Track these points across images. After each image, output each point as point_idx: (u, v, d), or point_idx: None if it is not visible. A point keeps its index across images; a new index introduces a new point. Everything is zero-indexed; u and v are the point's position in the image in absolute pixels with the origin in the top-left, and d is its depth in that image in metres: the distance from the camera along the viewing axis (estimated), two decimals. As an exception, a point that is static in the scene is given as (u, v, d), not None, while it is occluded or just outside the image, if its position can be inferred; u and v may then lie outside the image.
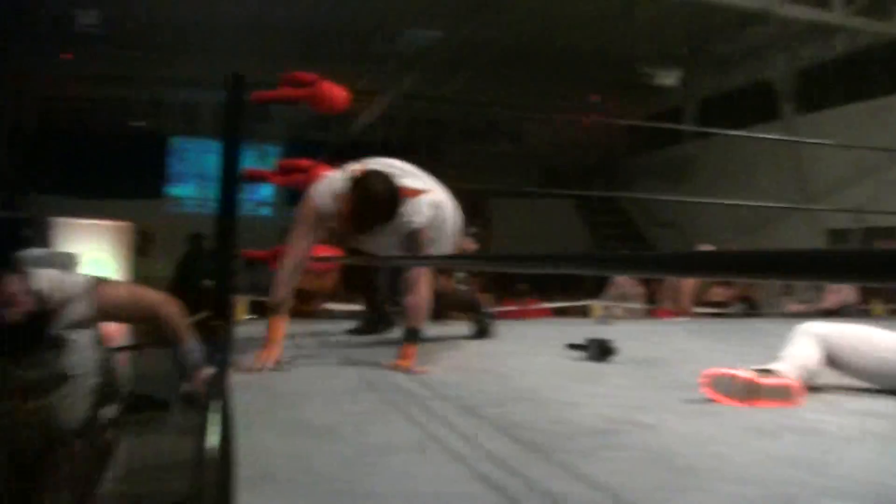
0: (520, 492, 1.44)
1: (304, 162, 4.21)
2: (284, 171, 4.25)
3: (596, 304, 7.21)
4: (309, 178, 4.13)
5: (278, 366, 2.72)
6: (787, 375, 2.34)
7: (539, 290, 10.46)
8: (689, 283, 8.08)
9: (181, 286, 9.33)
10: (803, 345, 2.51)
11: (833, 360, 2.55)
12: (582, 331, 3.67)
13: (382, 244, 3.05)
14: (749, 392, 2.27)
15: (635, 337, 4.05)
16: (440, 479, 1.51)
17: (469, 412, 2.13)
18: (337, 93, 4.06)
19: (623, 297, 8.13)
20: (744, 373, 2.30)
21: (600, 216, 18.12)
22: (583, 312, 7.50)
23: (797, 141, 10.79)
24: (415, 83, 13.83)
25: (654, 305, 8.98)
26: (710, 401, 2.27)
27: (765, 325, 5.24)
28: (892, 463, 1.77)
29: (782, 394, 2.28)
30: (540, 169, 18.44)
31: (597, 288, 8.21)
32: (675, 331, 4.99)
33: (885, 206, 10.08)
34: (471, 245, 5.56)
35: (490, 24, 13.09)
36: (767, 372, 2.34)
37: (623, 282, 8.31)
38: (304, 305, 7.90)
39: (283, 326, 2.85)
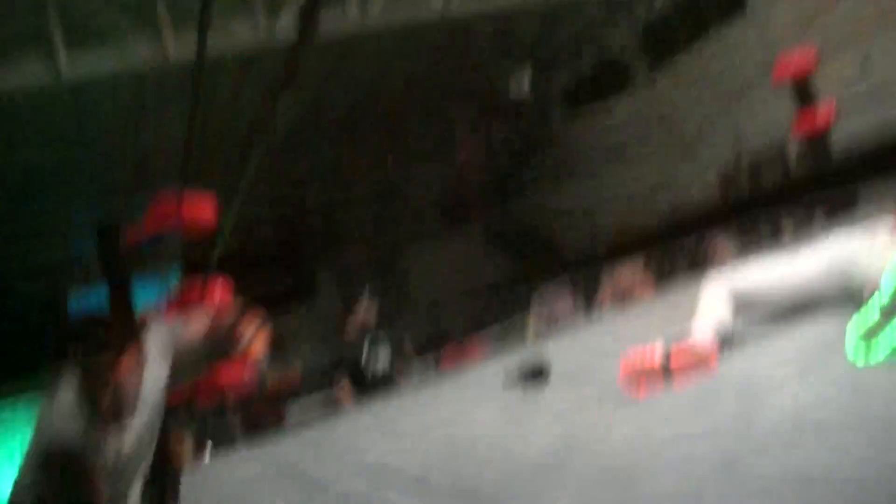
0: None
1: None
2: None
3: (529, 322, 7.23)
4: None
5: None
6: (696, 342, 2.34)
7: (475, 327, 10.39)
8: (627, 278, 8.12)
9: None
10: (712, 304, 2.53)
11: (747, 305, 2.58)
12: (516, 357, 3.63)
13: None
14: (665, 375, 2.28)
15: (567, 346, 4.05)
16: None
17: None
18: (202, 210, 3.77)
19: (551, 314, 8.14)
20: (656, 357, 2.30)
21: (509, 235, 18.33)
22: (519, 331, 7.48)
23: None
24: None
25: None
26: (646, 397, 2.27)
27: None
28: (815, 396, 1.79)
29: (696, 361, 2.29)
30: (440, 208, 18.52)
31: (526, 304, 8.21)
32: (601, 330, 5.00)
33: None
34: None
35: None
36: (679, 343, 2.35)
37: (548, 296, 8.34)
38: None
39: None
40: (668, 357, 2.30)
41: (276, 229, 17.45)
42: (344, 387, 5.93)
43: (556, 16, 12.80)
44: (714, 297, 2.56)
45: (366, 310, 7.52)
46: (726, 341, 2.45)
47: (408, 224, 17.03)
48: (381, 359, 6.04)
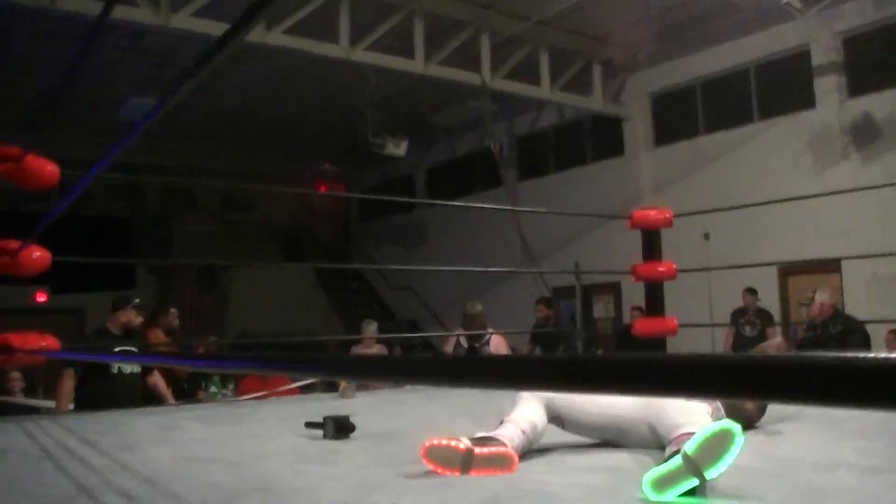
0: None
1: (10, 243, 3.84)
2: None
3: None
4: (15, 262, 3.78)
5: None
6: (503, 443, 2.42)
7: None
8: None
9: None
10: (527, 408, 2.63)
11: (559, 419, 2.70)
12: (323, 407, 3.60)
13: None
14: (465, 462, 2.33)
15: (377, 408, 4.06)
16: None
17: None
18: (45, 168, 3.77)
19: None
20: (460, 443, 2.36)
21: (340, 282, 18.24)
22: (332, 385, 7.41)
23: (514, 210, 11.53)
24: (141, 153, 13.32)
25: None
26: (445, 478, 2.31)
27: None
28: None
29: (497, 462, 2.35)
30: (278, 238, 18.32)
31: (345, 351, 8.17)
32: (416, 398, 5.07)
33: (598, 263, 11.04)
34: (133, 317, 5.28)
35: (217, 93, 12.96)
36: (486, 440, 2.42)
37: (367, 347, 8.35)
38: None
39: None
40: (471, 450, 2.34)
41: (109, 208, 16.71)
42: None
43: (447, 99, 13.23)
44: (530, 402, 2.66)
45: (172, 316, 7.27)
46: (529, 449, 2.53)
47: (245, 244, 16.66)
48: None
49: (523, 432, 2.52)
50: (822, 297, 6.75)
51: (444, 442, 2.35)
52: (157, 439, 3.16)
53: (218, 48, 1.65)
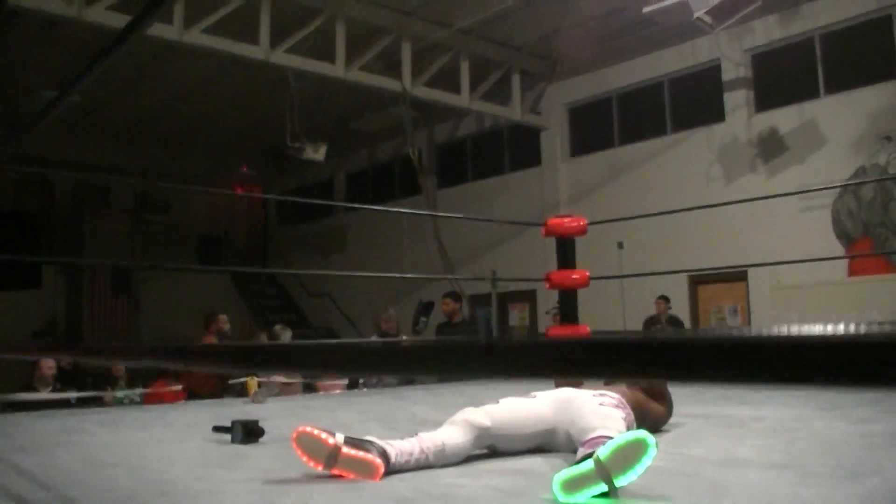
0: None
1: None
2: None
3: (251, 381, 7.03)
4: None
5: None
6: (376, 451, 2.37)
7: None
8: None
9: None
10: (446, 431, 2.59)
11: (493, 447, 2.68)
12: (233, 411, 3.53)
13: None
14: (330, 458, 2.31)
15: (289, 413, 4.00)
16: None
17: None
18: None
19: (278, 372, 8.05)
20: (331, 437, 2.33)
21: (257, 288, 17.95)
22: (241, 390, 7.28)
23: (433, 216, 11.57)
24: (54, 148, 12.91)
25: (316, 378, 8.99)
26: (355, 482, 2.28)
27: (426, 392, 5.46)
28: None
29: (360, 467, 2.32)
30: (193, 240, 17.94)
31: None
32: (330, 403, 5.02)
33: (514, 271, 11.15)
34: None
35: (132, 92, 12.66)
36: (362, 443, 2.38)
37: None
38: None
39: None
40: (339, 448, 2.32)
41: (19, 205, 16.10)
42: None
43: (368, 105, 13.19)
44: (456, 426, 2.61)
45: (222, 321, 7.40)
46: (425, 466, 2.48)
47: (160, 246, 16.27)
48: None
49: (422, 451, 2.46)
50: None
51: (316, 432, 2.33)
52: (57, 443, 3.05)
53: (121, 38, 1.61)
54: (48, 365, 6.93)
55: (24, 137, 10.39)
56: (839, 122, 10.00)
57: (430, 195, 14.27)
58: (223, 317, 7.63)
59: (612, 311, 10.69)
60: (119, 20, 8.65)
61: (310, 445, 2.33)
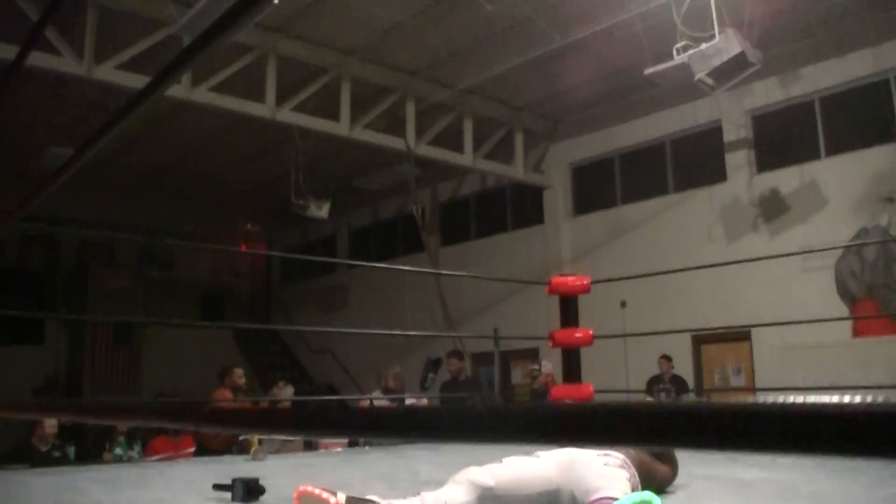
0: None
1: None
2: None
3: (252, 438, 6.97)
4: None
5: None
6: None
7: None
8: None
9: None
10: (450, 490, 2.57)
11: (501, 497, 2.65)
12: (233, 469, 3.49)
13: None
14: None
15: (290, 471, 3.96)
16: None
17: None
18: None
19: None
20: (332, 496, 2.30)
21: (258, 345, 17.91)
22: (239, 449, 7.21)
23: (435, 273, 11.59)
24: (60, 205, 13.00)
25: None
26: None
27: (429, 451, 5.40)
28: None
29: None
30: (196, 296, 17.96)
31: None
32: (331, 461, 4.97)
33: (517, 329, 11.12)
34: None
35: (139, 149, 12.80)
36: (366, 502, 2.35)
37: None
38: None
39: None
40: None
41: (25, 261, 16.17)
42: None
43: (372, 163, 13.32)
44: (458, 484, 2.60)
45: (236, 375, 7.37)
46: None
47: (163, 302, 16.28)
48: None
49: None
50: (547, 368, 6.90)
51: (318, 492, 2.30)
52: (52, 502, 3.01)
53: (137, 101, 1.63)
54: (50, 424, 6.88)
55: (37, 196, 10.45)
56: (840, 182, 10.07)
57: (433, 252, 14.31)
58: (238, 370, 7.56)
59: (615, 370, 10.64)
60: (126, 78, 8.79)
61: (316, 496, 2.30)
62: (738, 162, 11.13)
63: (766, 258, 6.17)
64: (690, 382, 10.68)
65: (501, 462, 2.73)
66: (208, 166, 14.20)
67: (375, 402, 6.79)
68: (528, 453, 2.85)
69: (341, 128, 10.63)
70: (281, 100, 10.07)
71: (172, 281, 17.36)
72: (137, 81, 8.49)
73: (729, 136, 11.25)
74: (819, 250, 9.06)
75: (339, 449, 6.96)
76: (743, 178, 11.05)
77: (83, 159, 1.99)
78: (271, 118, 10.04)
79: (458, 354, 8.29)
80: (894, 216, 9.62)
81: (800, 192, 10.41)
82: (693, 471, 3.44)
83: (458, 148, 11.88)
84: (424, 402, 6.77)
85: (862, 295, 9.82)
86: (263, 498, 3.05)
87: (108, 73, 8.78)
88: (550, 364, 7.09)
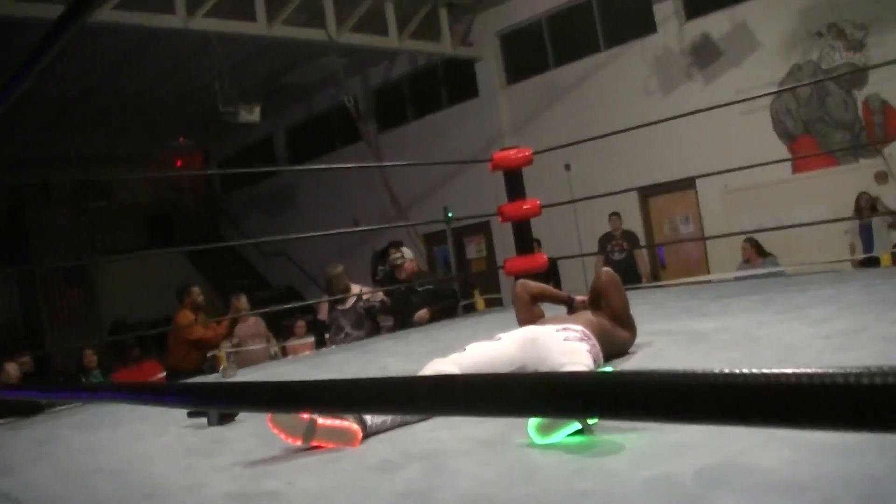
0: None
1: None
2: None
3: (221, 354, 7.02)
4: None
5: None
6: (352, 415, 2.37)
7: (157, 349, 9.88)
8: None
9: None
10: (434, 366, 2.62)
11: None
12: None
13: None
14: (307, 432, 2.32)
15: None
16: None
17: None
18: None
19: (243, 343, 8.05)
20: (307, 413, 2.32)
21: (212, 257, 17.78)
22: (210, 367, 7.27)
23: (376, 165, 11.48)
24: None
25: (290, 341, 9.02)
26: (336, 450, 2.29)
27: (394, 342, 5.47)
28: (494, 471, 1.92)
29: (339, 435, 2.33)
30: (142, 219, 17.68)
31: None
32: (300, 368, 5.01)
33: (467, 205, 11.15)
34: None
35: (55, 78, 12.25)
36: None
37: (243, 322, 8.22)
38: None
39: None
40: (314, 420, 2.32)
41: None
42: None
43: (297, 58, 12.94)
44: (440, 364, 2.65)
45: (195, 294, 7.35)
46: (402, 424, 2.50)
47: (108, 231, 15.99)
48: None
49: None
50: (408, 254, 6.92)
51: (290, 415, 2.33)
52: (34, 456, 3.01)
53: (58, 28, 1.55)
54: (14, 369, 6.83)
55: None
56: (770, 21, 10.04)
57: (372, 141, 14.14)
58: (196, 289, 7.57)
59: (567, 234, 10.80)
60: (36, 10, 8.30)
61: (286, 423, 2.32)
62: (667, 11, 11.02)
63: (703, 110, 6.18)
64: (641, 237, 10.90)
65: (465, 350, 2.78)
66: (131, 87, 13.70)
67: (364, 297, 6.73)
68: (489, 337, 2.90)
69: (259, 27, 10.27)
70: (192, 8, 9.65)
71: (115, 208, 17.02)
72: (42, 11, 8.02)
73: (654, -15, 11.09)
74: (754, 97, 8.73)
75: (308, 352, 7.04)
76: (673, 27, 10.97)
77: (11, 98, 1.89)
78: (185, 28, 9.64)
79: (395, 246, 8.00)
80: (825, 50, 9.67)
81: (731, 36, 10.38)
82: (651, 327, 3.55)
83: (383, 31, 11.57)
84: (380, 295, 6.78)
85: (798, 132, 9.98)
86: (239, 417, 3.08)
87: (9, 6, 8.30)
88: (410, 250, 7.11)
